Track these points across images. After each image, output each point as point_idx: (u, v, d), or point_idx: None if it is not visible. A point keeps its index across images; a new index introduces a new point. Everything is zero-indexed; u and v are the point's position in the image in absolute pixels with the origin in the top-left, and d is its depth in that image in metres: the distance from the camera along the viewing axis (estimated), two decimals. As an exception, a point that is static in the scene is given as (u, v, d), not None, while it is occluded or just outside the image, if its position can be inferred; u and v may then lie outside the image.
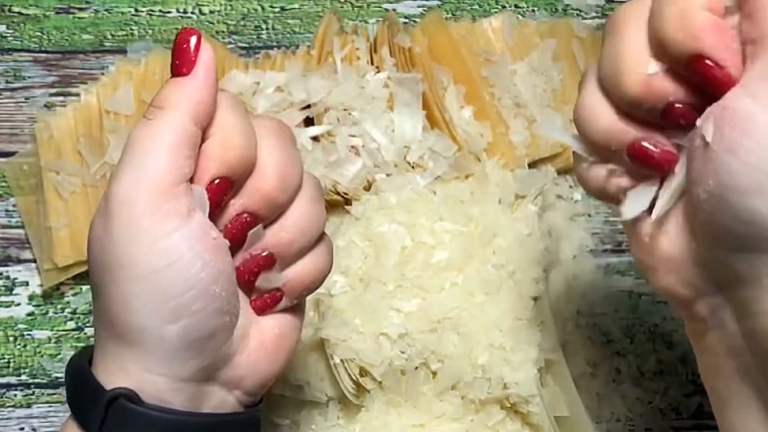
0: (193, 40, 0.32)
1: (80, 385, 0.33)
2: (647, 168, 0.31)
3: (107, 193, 0.32)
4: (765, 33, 0.27)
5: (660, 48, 0.29)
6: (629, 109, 0.30)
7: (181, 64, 0.32)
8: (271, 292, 0.35)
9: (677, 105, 0.29)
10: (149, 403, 0.32)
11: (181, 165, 0.31)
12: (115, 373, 0.32)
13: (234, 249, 0.34)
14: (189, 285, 0.31)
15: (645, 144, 0.30)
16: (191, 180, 0.32)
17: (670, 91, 0.29)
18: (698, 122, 0.29)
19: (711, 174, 0.28)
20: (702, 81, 0.28)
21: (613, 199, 0.33)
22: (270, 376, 0.36)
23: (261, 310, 0.35)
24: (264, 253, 0.34)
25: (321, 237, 0.36)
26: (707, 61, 0.28)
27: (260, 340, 0.35)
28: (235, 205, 0.33)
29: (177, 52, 0.32)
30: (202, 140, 0.33)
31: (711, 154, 0.28)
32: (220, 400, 0.34)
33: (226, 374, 0.34)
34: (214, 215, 0.33)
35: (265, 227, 0.34)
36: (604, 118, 0.31)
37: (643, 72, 0.29)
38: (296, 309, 0.37)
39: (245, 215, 0.33)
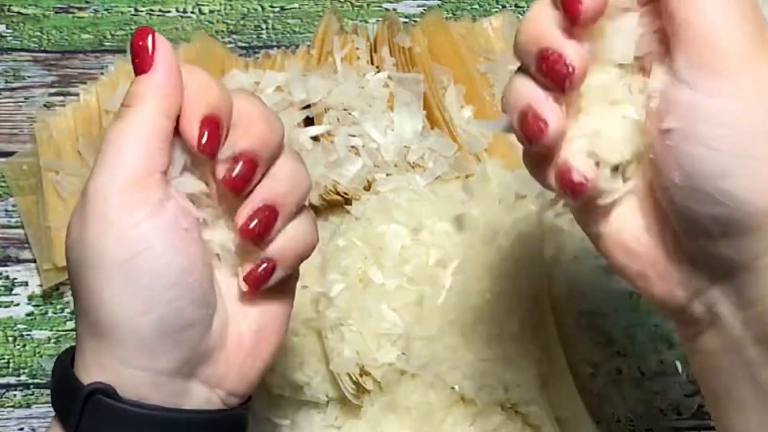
0: (149, 38, 0.33)
1: (61, 382, 0.33)
2: (549, 80, 0.30)
3: (83, 192, 0.32)
4: (680, 24, 0.28)
5: None
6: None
7: (141, 63, 0.33)
8: (264, 265, 0.34)
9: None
10: (127, 398, 0.32)
11: (153, 156, 0.32)
12: (94, 369, 0.32)
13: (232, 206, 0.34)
14: (159, 274, 0.31)
15: (552, 51, 0.29)
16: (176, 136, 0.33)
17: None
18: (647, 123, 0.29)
19: (675, 167, 0.28)
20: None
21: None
22: (253, 374, 0.35)
23: (256, 285, 0.35)
24: (267, 204, 0.34)
25: (305, 200, 0.36)
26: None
27: (240, 337, 0.35)
28: (228, 152, 0.33)
29: (135, 53, 0.33)
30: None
31: (668, 148, 0.28)
32: (203, 398, 0.34)
33: (206, 371, 0.34)
34: (209, 166, 0.33)
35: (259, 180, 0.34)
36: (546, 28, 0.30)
37: None
38: (282, 298, 0.36)
39: (244, 156, 0.33)
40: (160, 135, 0.32)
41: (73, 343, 0.49)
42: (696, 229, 0.29)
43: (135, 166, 0.32)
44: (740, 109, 0.27)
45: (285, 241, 0.35)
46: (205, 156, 0.33)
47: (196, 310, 0.33)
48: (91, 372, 0.32)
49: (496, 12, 0.55)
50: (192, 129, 0.32)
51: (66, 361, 0.34)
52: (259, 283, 0.35)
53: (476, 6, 0.55)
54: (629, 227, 0.32)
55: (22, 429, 0.49)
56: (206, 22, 0.54)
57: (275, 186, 0.34)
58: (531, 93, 0.30)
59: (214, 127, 0.33)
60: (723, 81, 0.27)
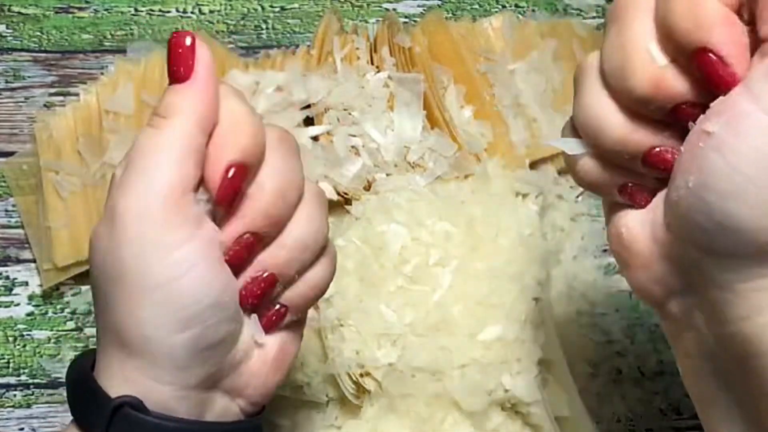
0: (188, 41, 0.31)
1: (83, 390, 0.33)
2: (664, 173, 0.30)
3: (113, 205, 0.31)
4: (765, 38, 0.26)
5: (665, 38, 0.28)
6: (637, 107, 0.29)
7: (179, 70, 0.31)
8: (275, 310, 0.35)
9: (684, 106, 0.28)
10: (154, 411, 0.32)
11: (189, 174, 0.31)
12: (120, 381, 0.32)
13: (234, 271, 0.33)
14: (202, 295, 0.31)
15: (662, 151, 0.29)
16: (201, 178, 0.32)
17: (680, 89, 0.28)
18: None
19: (694, 170, 0.27)
20: (705, 76, 0.27)
21: (609, 193, 0.32)
22: (272, 385, 0.36)
23: (268, 329, 0.35)
24: (265, 275, 0.33)
25: (324, 246, 0.36)
26: (711, 55, 0.27)
27: (263, 350, 0.35)
28: (237, 226, 0.33)
29: (173, 57, 0.31)
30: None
31: (697, 150, 0.27)
32: (223, 407, 0.34)
33: (231, 382, 0.34)
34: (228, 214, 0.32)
35: (264, 246, 0.33)
36: (615, 125, 0.29)
37: (652, 66, 0.28)
38: (298, 320, 0.37)
39: (247, 235, 0.33)
40: (195, 151, 0.31)
41: (74, 344, 0.50)
42: (690, 238, 0.28)
43: (172, 183, 0.30)
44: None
45: (296, 292, 0.35)
46: (220, 206, 0.32)
47: (228, 327, 0.32)
48: (116, 383, 0.32)
49: (496, 12, 0.55)
50: (215, 174, 0.31)
51: (86, 367, 0.33)
52: (270, 328, 0.35)
53: (476, 6, 0.55)
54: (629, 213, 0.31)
55: (22, 429, 0.49)
56: (206, 22, 0.54)
57: (279, 254, 0.33)
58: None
59: (240, 177, 0.31)
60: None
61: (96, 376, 0.32)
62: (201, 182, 0.32)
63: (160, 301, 0.30)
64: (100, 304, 0.32)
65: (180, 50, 0.31)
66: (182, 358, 0.31)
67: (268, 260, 0.33)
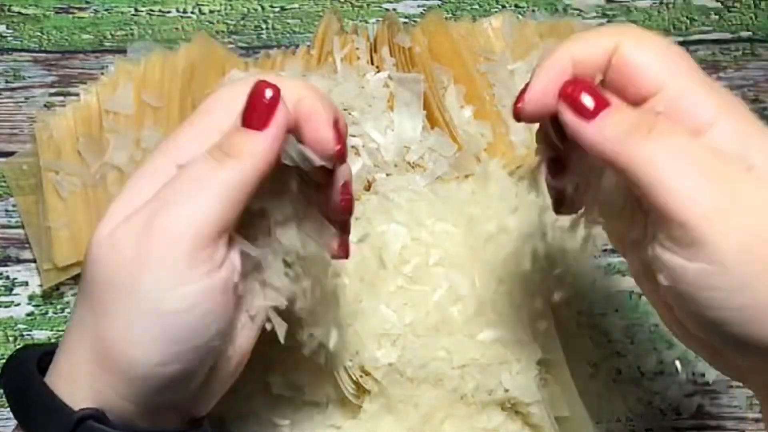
0: (270, 94, 0.32)
1: (34, 396, 0.32)
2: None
3: (151, 217, 0.31)
4: (649, 207, 0.30)
5: None
6: None
7: (255, 119, 0.32)
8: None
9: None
10: (116, 423, 0.31)
11: (231, 218, 0.31)
12: (84, 391, 0.31)
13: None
14: (197, 335, 0.31)
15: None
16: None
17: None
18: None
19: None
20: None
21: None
22: (221, 394, 0.36)
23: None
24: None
25: None
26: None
27: (227, 369, 0.35)
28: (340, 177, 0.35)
29: (253, 104, 0.32)
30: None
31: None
32: (179, 419, 0.35)
33: (187, 401, 0.34)
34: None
35: None
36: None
37: None
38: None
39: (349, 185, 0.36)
40: (246, 195, 0.31)
41: (73, 343, 0.50)
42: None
43: (213, 220, 0.31)
44: (719, 270, 0.28)
45: None
46: (336, 159, 0.34)
47: (205, 368, 0.33)
48: (78, 393, 0.31)
49: (496, 12, 0.55)
50: (327, 132, 0.33)
51: (32, 370, 0.33)
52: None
53: (476, 6, 0.55)
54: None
55: (22, 429, 0.49)
56: (206, 22, 0.54)
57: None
58: None
59: (341, 131, 0.34)
60: (696, 250, 0.28)
61: (50, 382, 0.32)
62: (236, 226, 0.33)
63: (155, 329, 0.30)
64: (86, 307, 0.32)
65: (262, 100, 0.32)
66: (159, 387, 0.31)
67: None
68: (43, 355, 0.34)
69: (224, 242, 0.31)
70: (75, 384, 0.32)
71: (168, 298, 0.30)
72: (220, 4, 0.55)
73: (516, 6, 0.55)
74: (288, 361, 0.46)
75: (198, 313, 0.31)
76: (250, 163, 0.31)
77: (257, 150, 0.31)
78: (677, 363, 0.50)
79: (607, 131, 0.30)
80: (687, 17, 0.54)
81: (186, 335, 0.31)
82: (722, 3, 0.54)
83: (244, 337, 0.35)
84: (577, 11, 0.55)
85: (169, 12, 0.54)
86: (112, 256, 0.31)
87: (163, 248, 0.30)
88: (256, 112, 0.32)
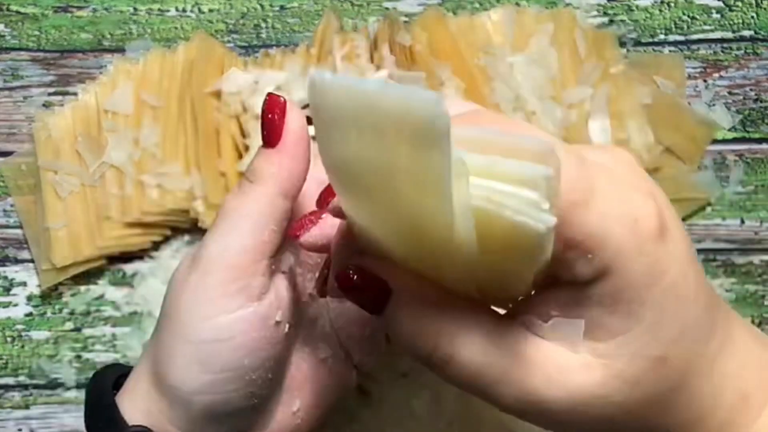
0: (278, 107, 0.32)
1: (101, 408, 0.33)
2: None
3: (199, 250, 0.32)
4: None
5: None
6: None
7: (268, 137, 0.32)
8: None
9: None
10: None
11: (265, 241, 0.31)
12: (140, 410, 0.32)
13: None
14: (230, 367, 0.31)
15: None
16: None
17: None
18: None
19: None
20: None
21: None
22: None
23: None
24: None
25: None
26: None
27: (284, 417, 0.35)
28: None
29: (264, 122, 0.32)
30: None
31: None
32: None
33: None
34: None
35: None
36: None
37: None
38: (340, 376, 0.37)
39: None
40: (275, 218, 0.32)
41: (73, 344, 0.50)
42: None
43: (244, 249, 0.31)
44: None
45: None
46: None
47: (248, 401, 0.33)
48: (135, 410, 0.32)
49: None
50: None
51: (108, 387, 0.34)
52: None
53: (476, 4, 0.55)
54: None
55: (20, 430, 0.49)
56: (205, 21, 0.54)
57: None
58: None
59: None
60: None
61: (119, 397, 0.33)
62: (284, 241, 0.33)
63: (192, 356, 0.31)
64: (156, 329, 0.33)
65: (270, 115, 0.32)
66: (197, 416, 0.32)
67: None
68: (123, 375, 0.35)
69: (262, 273, 0.32)
70: (134, 402, 0.33)
71: (202, 328, 0.31)
72: (220, 3, 0.54)
73: (516, 4, 0.55)
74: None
75: (231, 346, 0.31)
76: (272, 185, 0.31)
77: (275, 170, 0.31)
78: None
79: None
80: (688, 16, 0.54)
81: (217, 366, 0.31)
82: (724, 2, 0.54)
83: (309, 390, 0.35)
84: (578, 11, 0.55)
85: (168, 11, 0.54)
86: (170, 287, 0.33)
87: (199, 280, 0.31)
88: (268, 129, 0.32)
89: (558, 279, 0.27)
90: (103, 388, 0.34)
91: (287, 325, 0.33)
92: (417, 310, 0.27)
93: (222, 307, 0.31)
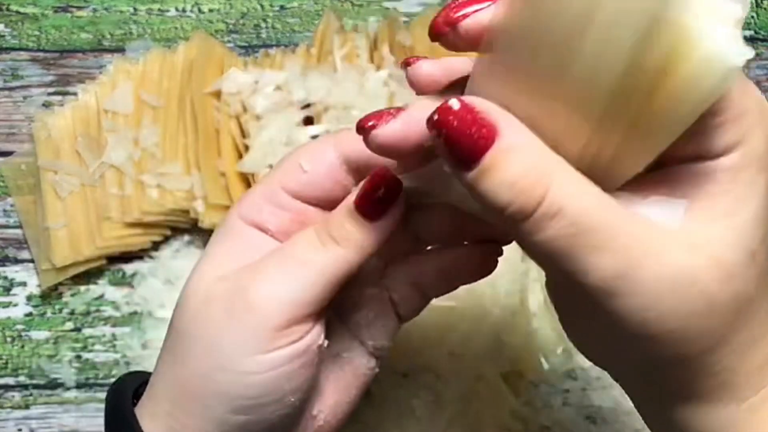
0: (391, 188, 0.31)
1: (121, 420, 0.33)
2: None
3: (248, 281, 0.31)
4: None
5: None
6: None
7: (369, 208, 0.31)
8: None
9: None
10: None
11: (326, 299, 0.31)
12: (160, 427, 0.32)
13: None
14: (269, 392, 0.31)
15: None
16: None
17: None
18: None
19: None
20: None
21: None
22: None
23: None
24: None
25: None
26: None
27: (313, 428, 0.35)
28: None
29: (369, 193, 0.31)
30: None
31: None
32: None
33: None
34: None
35: None
36: None
37: None
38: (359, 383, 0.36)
39: None
40: (344, 280, 0.31)
41: (73, 344, 0.50)
42: None
43: (306, 303, 0.31)
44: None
45: None
46: None
47: (283, 421, 0.33)
48: (156, 427, 0.32)
49: (497, 11, 0.54)
50: None
51: (128, 397, 0.34)
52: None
53: (477, 5, 0.55)
54: None
55: (20, 430, 0.49)
56: (205, 21, 0.54)
57: None
58: None
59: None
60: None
61: (138, 412, 0.33)
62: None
63: (232, 383, 0.31)
64: (170, 352, 0.32)
65: (379, 193, 0.31)
66: None
67: None
68: (143, 383, 0.35)
69: (313, 321, 0.31)
70: (155, 418, 0.32)
71: (247, 362, 0.31)
72: (220, 3, 0.54)
73: (517, 5, 0.55)
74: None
75: (274, 375, 0.31)
76: (354, 252, 0.31)
77: (366, 243, 0.31)
78: None
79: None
80: (688, 16, 0.54)
81: (260, 392, 0.31)
82: (724, 1, 0.54)
83: (329, 390, 0.35)
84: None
85: (168, 11, 0.54)
86: (203, 311, 0.31)
87: (252, 319, 0.30)
88: (371, 204, 0.31)
89: (668, 160, 0.26)
90: (123, 401, 0.33)
91: (326, 342, 0.33)
92: (533, 151, 0.25)
93: (271, 346, 0.31)
